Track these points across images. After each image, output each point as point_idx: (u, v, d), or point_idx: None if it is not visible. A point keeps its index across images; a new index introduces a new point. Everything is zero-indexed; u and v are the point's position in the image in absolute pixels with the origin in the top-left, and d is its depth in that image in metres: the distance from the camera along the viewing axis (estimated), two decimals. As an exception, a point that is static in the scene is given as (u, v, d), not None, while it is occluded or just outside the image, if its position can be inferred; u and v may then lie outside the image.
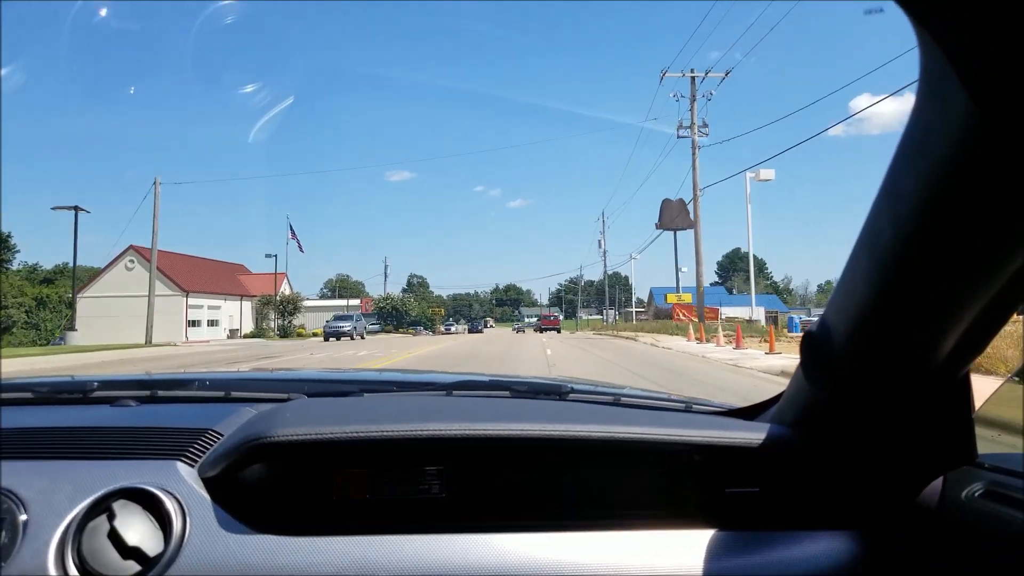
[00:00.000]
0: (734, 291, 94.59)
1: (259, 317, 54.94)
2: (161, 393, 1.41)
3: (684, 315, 37.75)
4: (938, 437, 0.95)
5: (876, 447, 0.99)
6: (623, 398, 1.44)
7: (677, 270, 59.12)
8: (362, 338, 41.14)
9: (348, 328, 40.04)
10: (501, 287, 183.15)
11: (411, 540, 0.97)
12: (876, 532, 1.00)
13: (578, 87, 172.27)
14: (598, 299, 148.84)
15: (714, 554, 0.99)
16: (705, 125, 28.32)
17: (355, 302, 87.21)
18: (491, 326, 77.23)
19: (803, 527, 1.02)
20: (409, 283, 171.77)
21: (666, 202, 62.21)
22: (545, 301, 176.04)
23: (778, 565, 0.98)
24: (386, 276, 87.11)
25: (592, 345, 25.04)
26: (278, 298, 54.12)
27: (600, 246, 66.77)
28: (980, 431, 0.95)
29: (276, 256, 52.46)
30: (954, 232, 0.70)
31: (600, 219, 70.25)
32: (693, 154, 28.56)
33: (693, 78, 28.07)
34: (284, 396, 1.35)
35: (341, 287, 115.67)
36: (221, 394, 1.40)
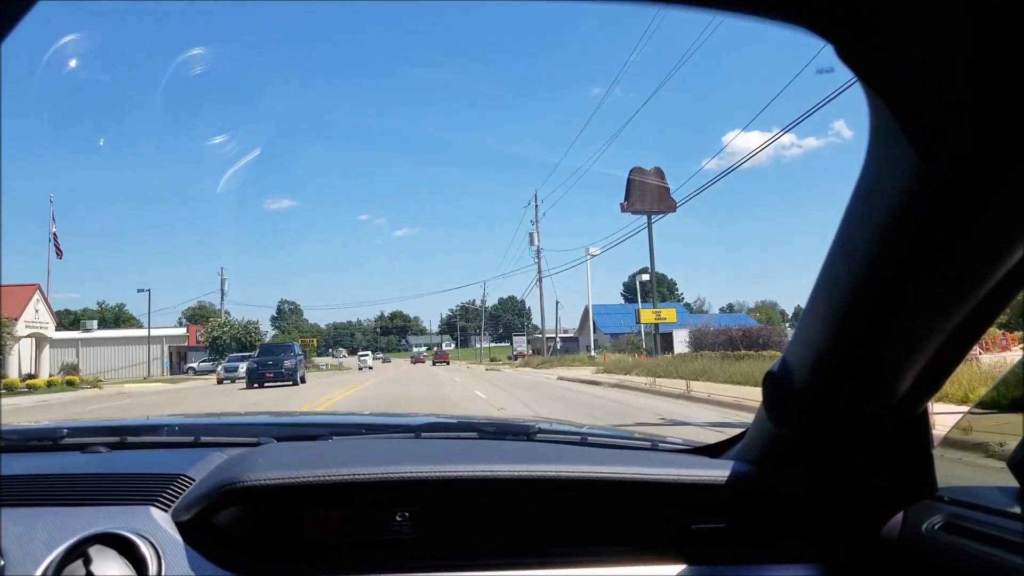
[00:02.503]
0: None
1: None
2: (131, 439, 1.38)
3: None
4: (899, 472, 0.96)
5: (838, 483, 1.00)
6: (590, 437, 1.41)
7: (653, 268, 38.95)
8: None
9: None
10: (387, 314, 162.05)
11: None
12: (840, 565, 1.01)
13: (471, 113, 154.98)
14: (492, 325, 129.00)
15: None
16: None
17: (180, 331, 61.63)
18: (342, 357, 52.74)
19: (769, 560, 1.03)
20: (279, 310, 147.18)
21: (636, 173, 42.14)
22: (435, 329, 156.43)
23: None
24: (223, 294, 60.66)
25: None
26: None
27: (532, 242, 45.23)
28: (940, 463, 0.96)
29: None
30: (906, 278, 0.70)
31: (533, 202, 46.58)
32: None
33: None
34: (254, 440, 1.32)
35: (198, 315, 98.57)
36: (191, 439, 1.37)
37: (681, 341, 41.57)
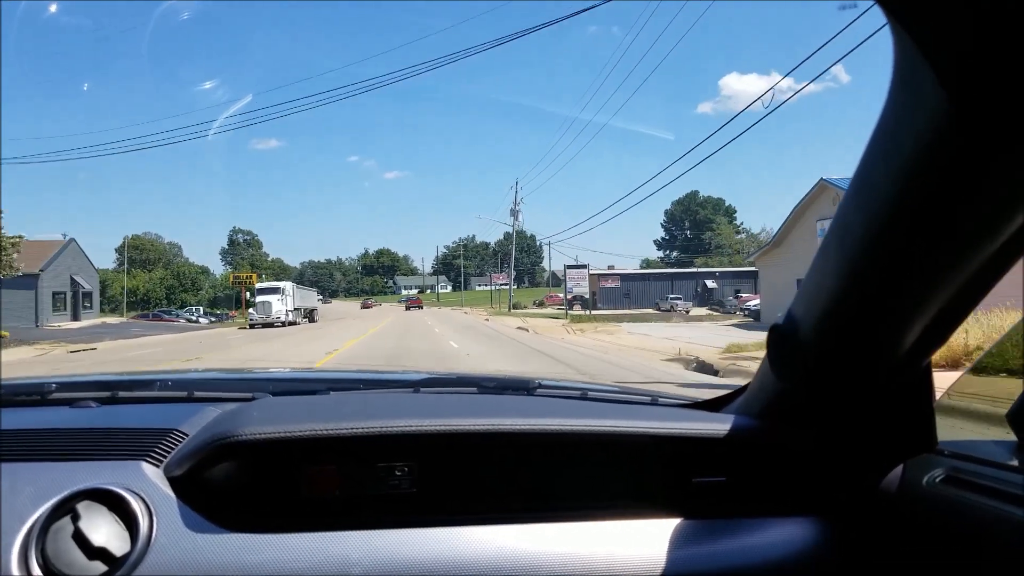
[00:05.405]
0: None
1: None
2: (122, 394, 1.34)
3: None
4: (900, 426, 0.95)
5: (840, 436, 0.99)
6: (591, 392, 1.40)
7: None
8: None
9: None
10: (372, 252, 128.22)
11: (383, 535, 0.94)
12: (839, 517, 1.00)
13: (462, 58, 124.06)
14: (496, 264, 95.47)
15: (682, 542, 0.98)
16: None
17: None
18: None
19: (769, 514, 1.02)
20: (231, 240, 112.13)
21: None
22: (428, 269, 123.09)
23: (744, 550, 0.97)
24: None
25: None
26: None
27: None
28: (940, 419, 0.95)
29: None
30: (923, 225, 0.67)
31: None
32: None
33: None
34: (249, 396, 1.30)
35: (132, 246, 76.18)
36: (184, 394, 1.34)
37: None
